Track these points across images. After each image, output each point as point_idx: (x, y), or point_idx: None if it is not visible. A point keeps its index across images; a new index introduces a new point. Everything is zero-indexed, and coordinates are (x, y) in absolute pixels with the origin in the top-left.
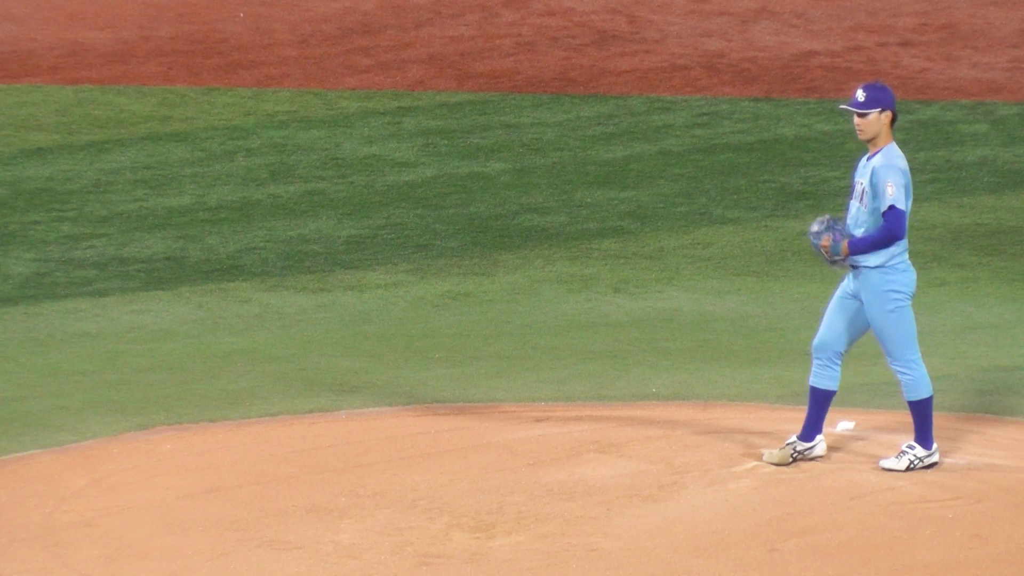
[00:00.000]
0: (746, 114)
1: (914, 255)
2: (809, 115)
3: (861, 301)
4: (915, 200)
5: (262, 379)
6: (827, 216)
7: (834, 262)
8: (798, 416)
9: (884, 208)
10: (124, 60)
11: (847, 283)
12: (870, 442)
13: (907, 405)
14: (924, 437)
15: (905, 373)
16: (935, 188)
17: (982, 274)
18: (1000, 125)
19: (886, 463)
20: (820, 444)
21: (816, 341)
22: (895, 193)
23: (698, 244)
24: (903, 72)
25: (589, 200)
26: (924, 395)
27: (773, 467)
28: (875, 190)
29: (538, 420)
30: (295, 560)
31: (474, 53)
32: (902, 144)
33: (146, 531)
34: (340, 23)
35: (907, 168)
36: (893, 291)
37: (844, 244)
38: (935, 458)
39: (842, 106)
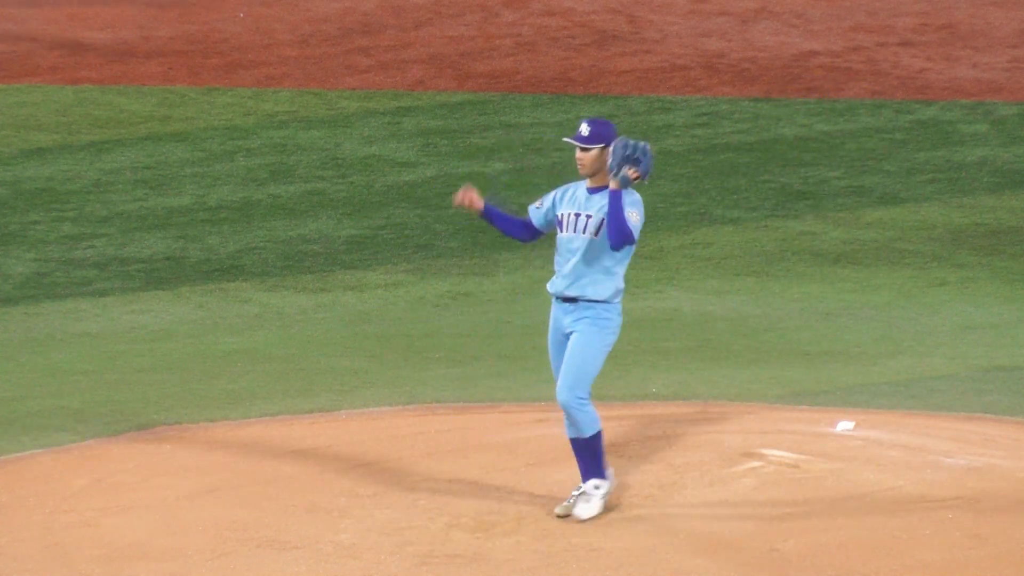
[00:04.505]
0: (746, 114)
1: (914, 255)
2: (809, 115)
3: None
4: (915, 200)
5: (262, 379)
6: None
7: (617, 176)
8: (798, 416)
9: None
10: (124, 60)
11: (555, 323)
12: (870, 442)
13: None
14: (599, 469)
15: (578, 410)
16: (935, 188)
17: (982, 274)
18: (1000, 125)
19: (582, 513)
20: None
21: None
22: (637, 222)
23: (698, 244)
24: (903, 72)
25: None
26: (597, 427)
27: (773, 467)
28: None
29: (538, 420)
30: (295, 560)
31: (474, 53)
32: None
33: (146, 531)
34: (340, 23)
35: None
36: (612, 329)
37: (625, 177)
38: (614, 482)
39: (565, 139)
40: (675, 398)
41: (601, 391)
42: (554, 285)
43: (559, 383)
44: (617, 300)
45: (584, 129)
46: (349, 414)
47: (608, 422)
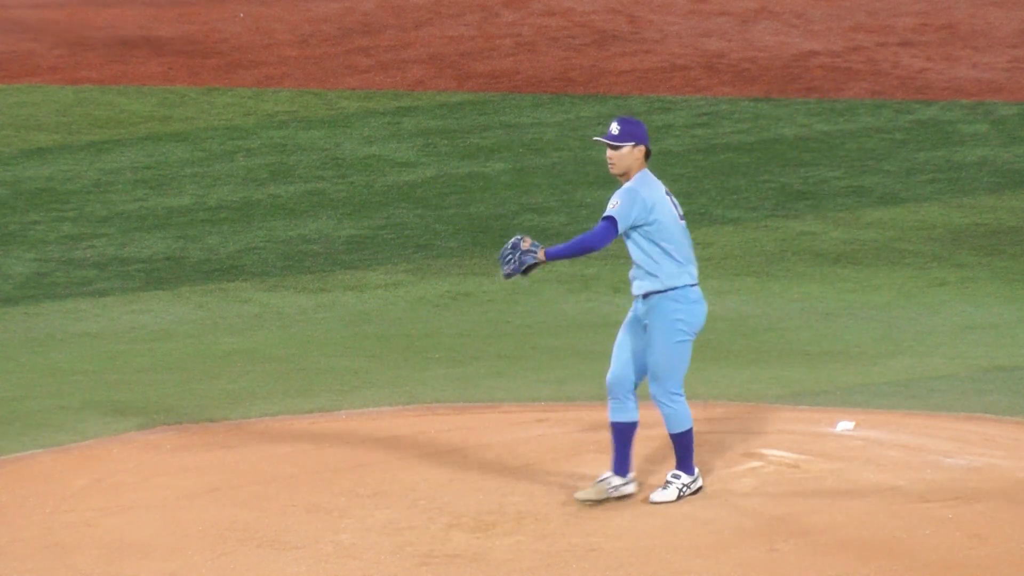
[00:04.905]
0: (746, 114)
1: (914, 255)
2: (809, 115)
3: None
4: (915, 200)
5: (262, 379)
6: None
7: (521, 264)
8: (798, 416)
9: (603, 215)
10: (124, 60)
11: (633, 315)
12: (870, 442)
13: (670, 437)
14: (687, 464)
15: (667, 405)
16: (935, 188)
17: (982, 274)
18: (1000, 125)
19: (656, 497)
20: (632, 483)
21: (609, 377)
22: (616, 207)
23: (698, 244)
24: (903, 72)
25: (589, 200)
26: (685, 427)
27: (773, 467)
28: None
29: (538, 420)
30: (295, 560)
31: (474, 53)
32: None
33: (146, 531)
34: (340, 23)
35: (649, 195)
36: (680, 320)
37: (541, 252)
38: (700, 482)
39: (596, 138)
40: None
41: (601, 391)
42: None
43: (650, 381)
44: (674, 287)
45: (614, 128)
46: (349, 414)
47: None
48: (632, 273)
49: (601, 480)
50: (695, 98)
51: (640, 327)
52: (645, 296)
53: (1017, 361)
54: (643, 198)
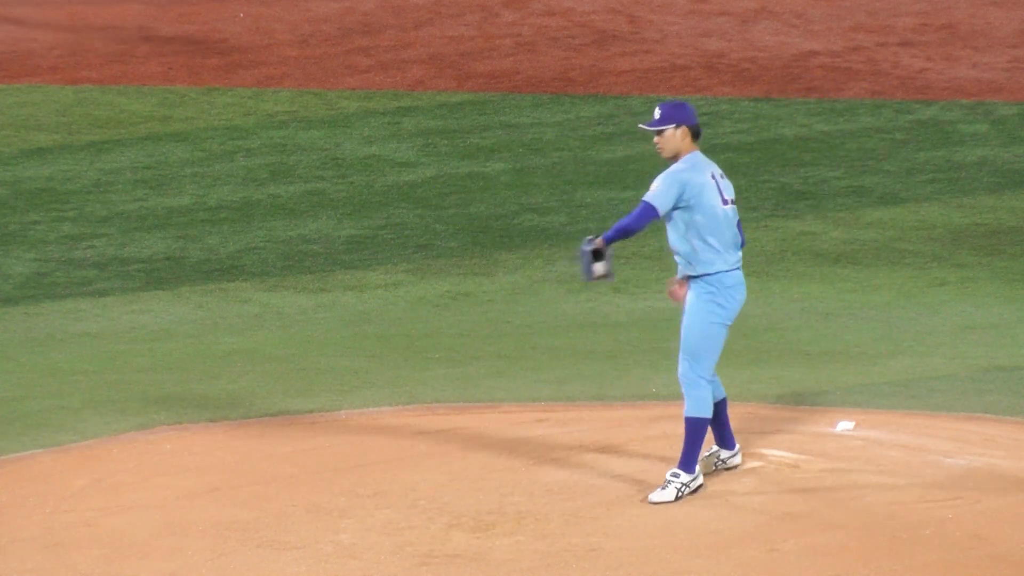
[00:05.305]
0: (746, 114)
1: (914, 255)
2: (809, 115)
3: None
4: (915, 200)
5: (262, 379)
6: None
7: (584, 255)
8: (798, 416)
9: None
10: (124, 60)
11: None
12: (870, 442)
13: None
14: (688, 461)
15: (692, 388)
16: (935, 188)
17: (982, 274)
18: (1000, 125)
19: (654, 497)
20: (738, 455)
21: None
22: (654, 191)
23: None
24: (903, 72)
25: (589, 200)
26: (703, 415)
27: (773, 467)
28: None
29: (538, 420)
30: (295, 560)
31: (474, 53)
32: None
33: (146, 531)
34: (340, 23)
35: (691, 179)
36: (714, 303)
37: (598, 241)
38: (700, 481)
39: (640, 125)
40: (675, 398)
41: (601, 391)
42: None
43: (680, 360)
44: (708, 273)
45: (656, 113)
46: (349, 414)
47: (608, 422)
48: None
49: (709, 454)
50: (695, 98)
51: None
52: (686, 278)
53: (1017, 361)
54: (683, 181)
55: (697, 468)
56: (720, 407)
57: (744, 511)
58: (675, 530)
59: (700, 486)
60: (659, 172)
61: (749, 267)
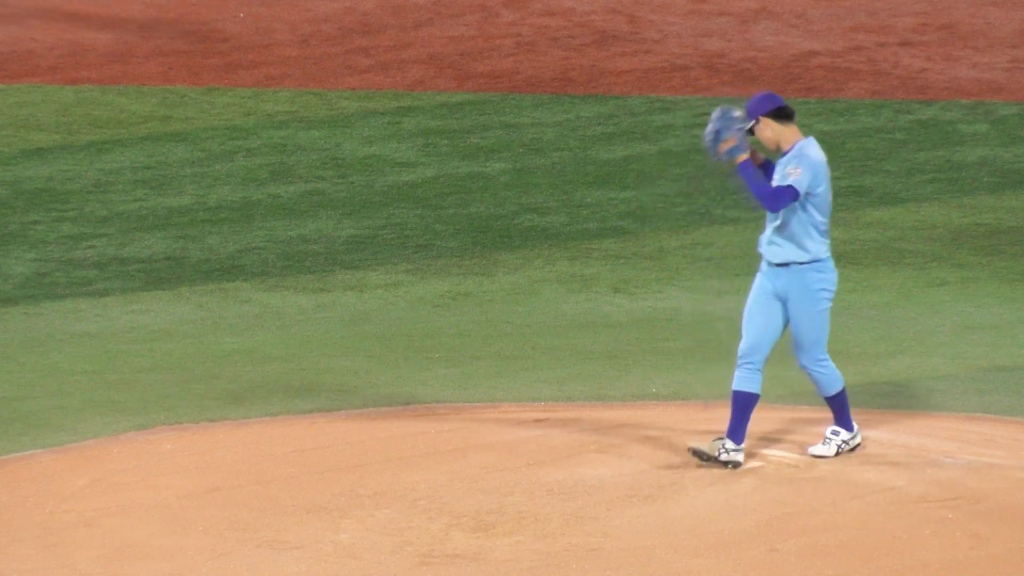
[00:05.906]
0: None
1: (914, 255)
2: (809, 115)
3: (783, 301)
4: (915, 200)
5: (262, 379)
6: (727, 112)
7: (718, 157)
8: (798, 416)
9: (783, 184)
10: (124, 60)
11: (764, 283)
12: (870, 442)
13: (825, 401)
14: (843, 421)
15: (818, 371)
16: (935, 188)
17: (982, 274)
18: (1000, 125)
19: (815, 450)
20: (742, 452)
21: (747, 346)
22: (798, 176)
23: (698, 244)
24: (903, 72)
25: (589, 200)
26: (838, 388)
27: (773, 467)
28: (781, 174)
29: (538, 420)
30: (295, 560)
31: (474, 53)
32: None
33: (146, 531)
34: (340, 23)
35: (820, 160)
36: (824, 289)
37: (740, 158)
38: (859, 439)
39: (739, 127)
40: (675, 398)
41: (601, 391)
42: (761, 247)
43: (796, 350)
44: (818, 259)
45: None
46: (349, 414)
47: (608, 422)
48: (771, 238)
49: (717, 439)
50: (695, 98)
51: (773, 296)
52: (785, 265)
53: (1017, 361)
54: (815, 163)
55: (856, 426)
56: (752, 402)
57: (744, 511)
58: (675, 530)
59: (859, 444)
60: (659, 172)
61: (749, 267)
